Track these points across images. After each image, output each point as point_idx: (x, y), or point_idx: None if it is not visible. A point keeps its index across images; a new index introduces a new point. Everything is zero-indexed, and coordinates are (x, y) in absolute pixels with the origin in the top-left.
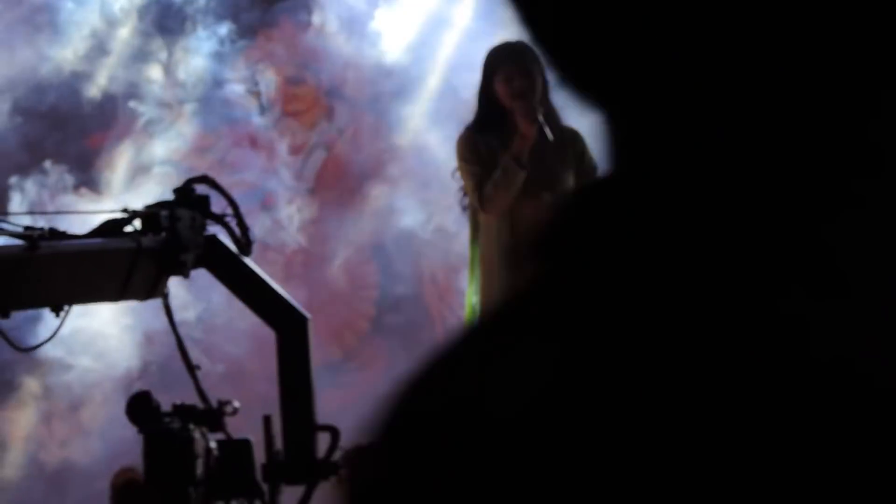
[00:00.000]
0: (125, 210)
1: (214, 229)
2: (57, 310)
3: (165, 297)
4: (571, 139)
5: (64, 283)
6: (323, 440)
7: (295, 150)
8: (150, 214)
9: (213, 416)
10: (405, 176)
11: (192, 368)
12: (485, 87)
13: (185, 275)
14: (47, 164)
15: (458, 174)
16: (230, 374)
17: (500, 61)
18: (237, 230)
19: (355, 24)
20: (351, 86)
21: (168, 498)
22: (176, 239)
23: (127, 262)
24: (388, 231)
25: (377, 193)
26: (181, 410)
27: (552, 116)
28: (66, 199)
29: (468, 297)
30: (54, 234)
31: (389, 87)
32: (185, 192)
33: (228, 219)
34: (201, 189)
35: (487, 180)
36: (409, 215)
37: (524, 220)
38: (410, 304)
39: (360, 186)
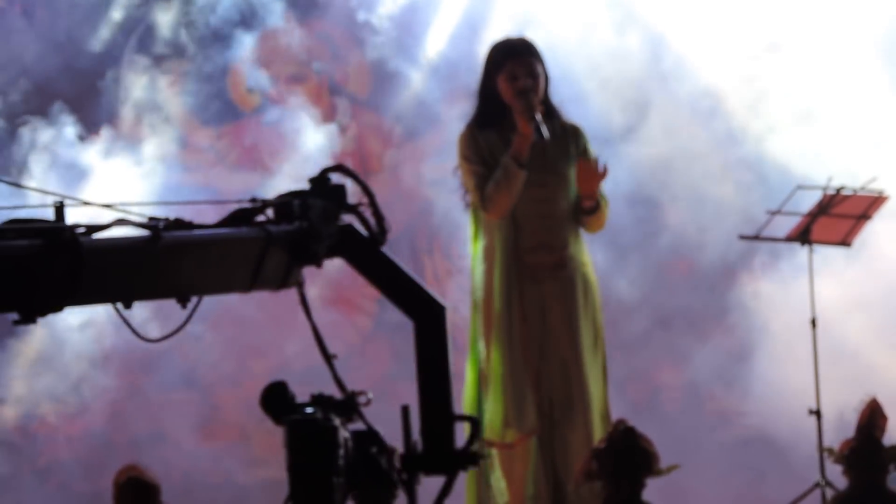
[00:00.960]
0: (254, 199)
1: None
2: (184, 301)
3: (300, 286)
4: (573, 135)
5: (190, 273)
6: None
7: (298, 147)
8: (283, 203)
9: (348, 406)
10: (408, 173)
11: (328, 358)
12: (486, 83)
13: (318, 264)
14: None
15: (459, 171)
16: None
17: (504, 57)
18: (372, 220)
19: (360, 21)
20: (353, 81)
21: (312, 487)
22: (308, 228)
23: (256, 251)
24: (391, 228)
25: (380, 190)
26: (320, 400)
27: (553, 113)
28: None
29: (472, 294)
30: (179, 224)
31: (390, 80)
32: (320, 182)
33: (362, 208)
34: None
35: (489, 180)
36: (412, 213)
37: (526, 216)
38: None
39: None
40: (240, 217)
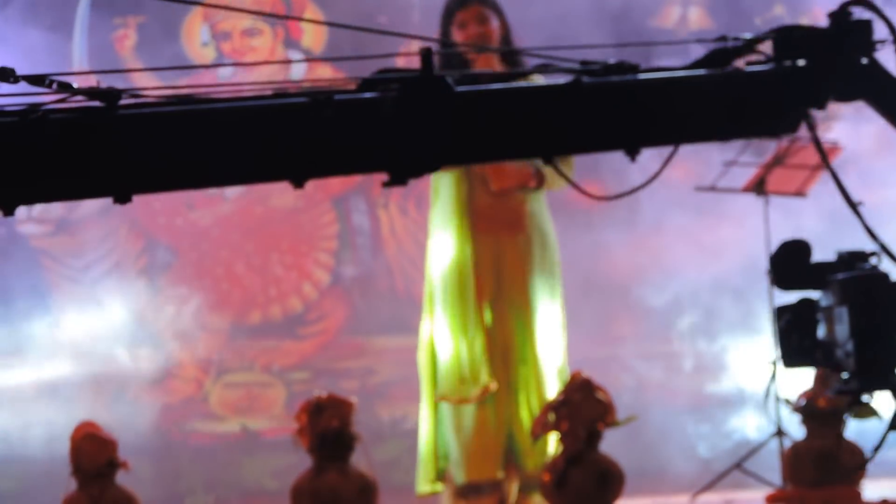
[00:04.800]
0: (724, 37)
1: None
2: (633, 152)
3: (811, 129)
4: None
5: (639, 121)
6: None
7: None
8: (778, 40)
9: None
10: None
11: (853, 205)
12: (444, 36)
13: (822, 106)
14: None
15: None
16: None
17: (455, 7)
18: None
19: None
20: (308, 36)
21: (884, 347)
22: (809, 67)
23: (735, 93)
24: (348, 182)
25: None
26: (847, 259)
27: (515, 63)
28: None
29: (428, 251)
30: (620, 67)
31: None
32: (840, 17)
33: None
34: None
35: None
36: None
37: (482, 183)
38: (369, 255)
39: None
40: (718, 57)
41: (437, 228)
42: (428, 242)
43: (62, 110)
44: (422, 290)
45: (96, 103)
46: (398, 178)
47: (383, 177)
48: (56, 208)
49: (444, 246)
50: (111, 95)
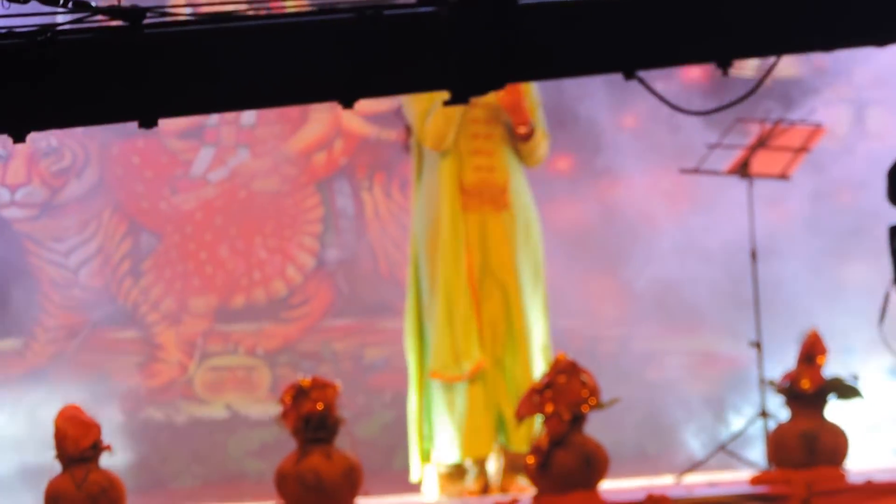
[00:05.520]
0: None
1: None
2: (726, 66)
3: None
4: None
5: (735, 29)
6: None
7: None
8: None
9: None
10: (345, 109)
11: None
12: None
13: None
14: None
15: (403, 106)
16: None
17: None
18: None
19: None
20: None
21: None
22: None
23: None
24: (332, 166)
25: (316, 128)
26: None
27: None
28: None
29: (412, 232)
30: None
31: None
32: None
33: None
34: None
35: (431, 112)
36: (351, 150)
37: (469, 151)
38: (353, 238)
39: (303, 121)
40: None
41: (423, 208)
42: (413, 223)
43: (80, 31)
44: (406, 272)
45: (118, 23)
46: (459, 96)
47: (367, 160)
48: (40, 192)
49: (432, 225)
50: (135, 14)
